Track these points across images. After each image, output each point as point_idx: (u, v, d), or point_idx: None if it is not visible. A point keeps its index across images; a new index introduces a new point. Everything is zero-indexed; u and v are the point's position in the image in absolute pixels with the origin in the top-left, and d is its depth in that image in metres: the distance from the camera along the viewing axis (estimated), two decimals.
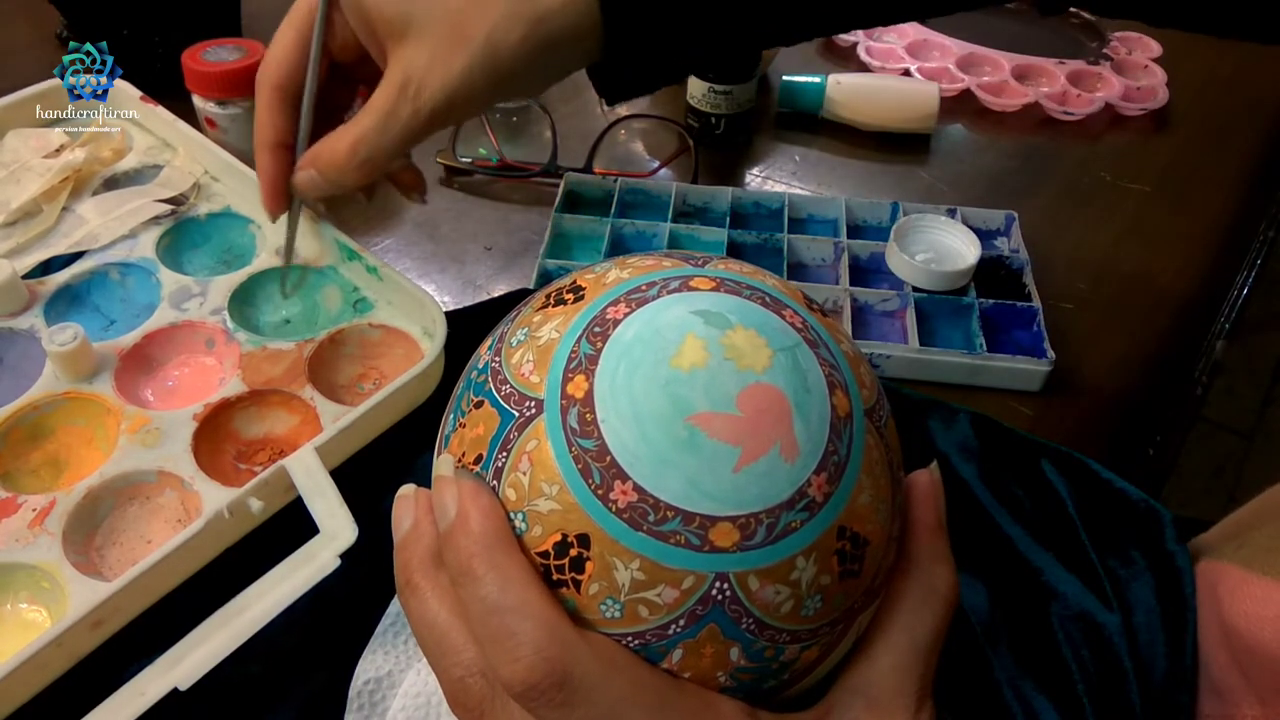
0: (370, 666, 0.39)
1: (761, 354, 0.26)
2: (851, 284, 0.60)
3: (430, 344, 0.49)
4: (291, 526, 0.42)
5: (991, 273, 0.62)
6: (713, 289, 0.28)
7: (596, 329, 0.27)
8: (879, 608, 0.29)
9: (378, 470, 0.47)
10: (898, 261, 0.61)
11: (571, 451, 0.25)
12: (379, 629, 0.41)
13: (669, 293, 0.28)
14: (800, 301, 0.29)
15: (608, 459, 0.25)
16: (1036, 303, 0.58)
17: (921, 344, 0.56)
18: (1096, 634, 0.42)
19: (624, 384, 0.26)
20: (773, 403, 0.25)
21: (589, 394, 0.26)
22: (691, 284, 0.28)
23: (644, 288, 0.28)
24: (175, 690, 0.36)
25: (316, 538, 0.41)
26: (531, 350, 0.28)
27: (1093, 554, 0.44)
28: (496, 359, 0.29)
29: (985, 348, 0.56)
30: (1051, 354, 0.55)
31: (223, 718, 0.39)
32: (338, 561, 0.40)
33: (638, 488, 0.25)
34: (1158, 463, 0.55)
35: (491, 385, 0.28)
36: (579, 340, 0.27)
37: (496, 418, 0.27)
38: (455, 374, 0.49)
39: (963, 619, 0.42)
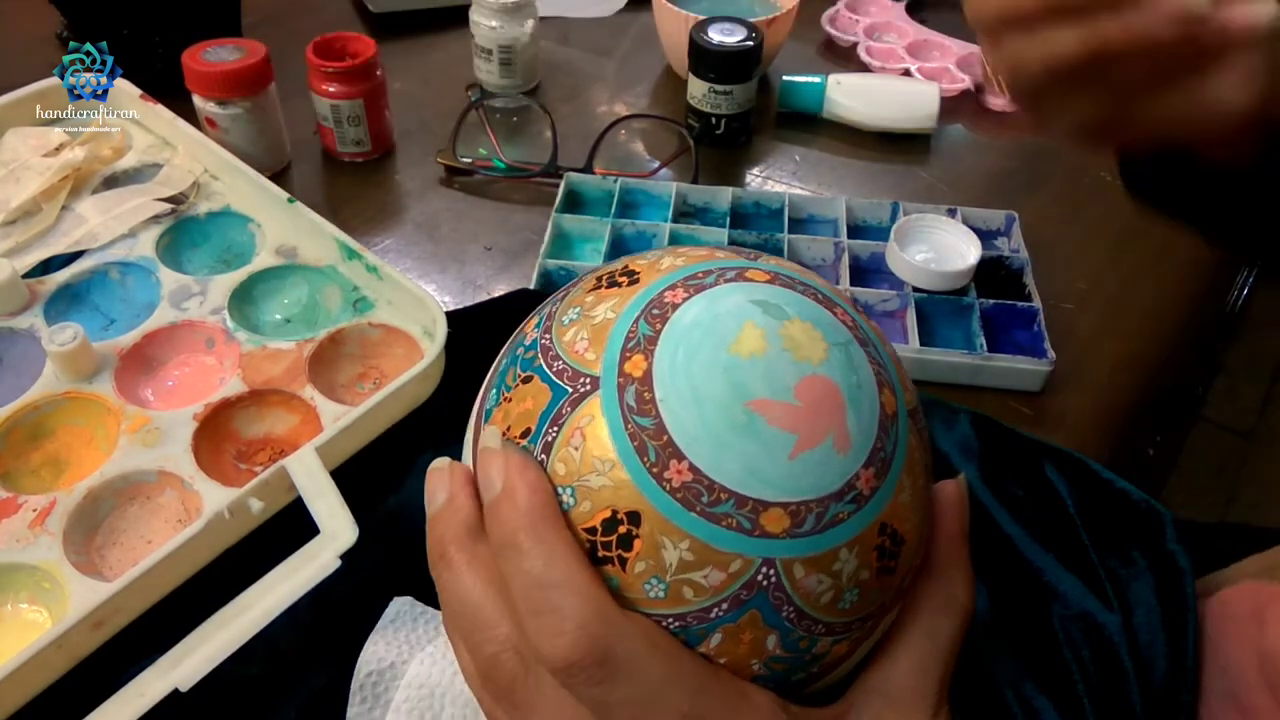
0: (373, 658, 0.39)
1: (818, 346, 0.26)
2: (852, 284, 0.60)
3: (430, 344, 0.49)
4: (291, 526, 0.42)
5: (992, 273, 0.62)
6: (768, 281, 0.28)
7: (655, 311, 0.27)
8: (901, 609, 0.29)
9: (378, 470, 0.47)
10: (898, 261, 0.61)
11: (628, 429, 0.25)
12: (380, 624, 0.41)
13: (726, 281, 0.28)
14: (847, 302, 0.30)
15: (665, 438, 0.25)
16: (1037, 303, 0.58)
17: (922, 344, 0.56)
18: (1097, 634, 0.42)
19: (684, 366, 0.26)
20: (828, 394, 0.26)
21: (648, 373, 0.26)
22: (747, 275, 0.28)
23: (700, 275, 0.28)
24: (176, 691, 0.36)
25: (317, 538, 0.41)
26: (585, 329, 0.28)
27: (1093, 554, 0.44)
28: (546, 336, 0.29)
29: (985, 348, 0.56)
30: (1051, 354, 0.55)
31: (223, 718, 0.39)
32: (338, 562, 0.40)
33: (693, 468, 0.25)
34: (1158, 463, 0.55)
35: (541, 361, 0.28)
36: (637, 321, 0.27)
37: (547, 393, 0.27)
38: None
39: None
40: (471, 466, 0.29)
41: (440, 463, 0.30)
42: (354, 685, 0.39)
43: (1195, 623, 0.40)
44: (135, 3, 0.71)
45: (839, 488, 0.25)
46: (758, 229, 0.64)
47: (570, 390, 0.27)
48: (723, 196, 0.66)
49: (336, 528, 0.41)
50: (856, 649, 0.28)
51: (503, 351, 0.31)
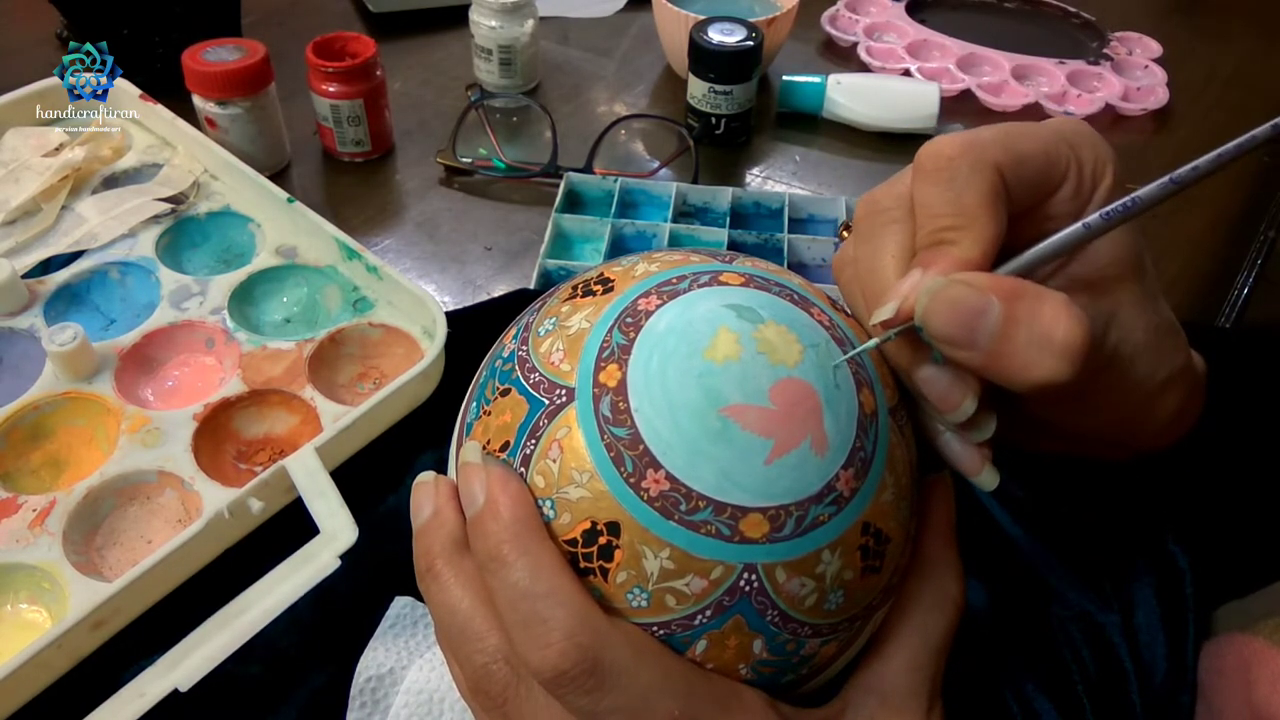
0: (372, 663, 0.39)
1: (792, 349, 0.26)
2: None
3: (430, 344, 0.49)
4: (291, 526, 0.42)
5: None
6: (742, 284, 0.28)
7: (629, 319, 0.27)
8: (892, 607, 0.29)
9: (378, 470, 0.47)
10: None
11: (604, 439, 0.25)
12: (380, 628, 0.41)
13: (700, 286, 0.28)
14: (825, 301, 0.30)
15: (641, 447, 0.25)
16: None
17: None
18: (1097, 634, 0.41)
19: (658, 374, 0.26)
20: (804, 397, 0.26)
21: (622, 383, 0.26)
22: (721, 279, 0.28)
23: (674, 281, 0.28)
24: (176, 691, 0.36)
25: (316, 538, 0.41)
26: (561, 339, 0.28)
27: (1094, 554, 0.44)
28: (523, 348, 0.29)
29: None
30: None
31: (223, 718, 0.39)
32: (338, 562, 0.40)
33: (670, 477, 0.25)
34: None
35: (519, 373, 0.28)
36: (611, 330, 0.27)
37: (525, 405, 0.27)
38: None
39: (963, 618, 0.42)
40: (455, 480, 0.29)
41: (425, 477, 0.30)
42: (353, 690, 0.39)
43: (1195, 624, 0.40)
44: (135, 3, 0.71)
45: (818, 490, 0.25)
46: (758, 229, 0.64)
47: (547, 402, 0.27)
48: (723, 196, 0.66)
49: (336, 528, 0.41)
50: (846, 649, 0.28)
51: (483, 364, 0.31)
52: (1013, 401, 0.30)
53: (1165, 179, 0.27)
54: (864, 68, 0.87)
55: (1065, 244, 0.28)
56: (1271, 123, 0.26)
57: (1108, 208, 0.27)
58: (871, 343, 0.28)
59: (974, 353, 0.26)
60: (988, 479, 0.30)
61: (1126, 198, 0.27)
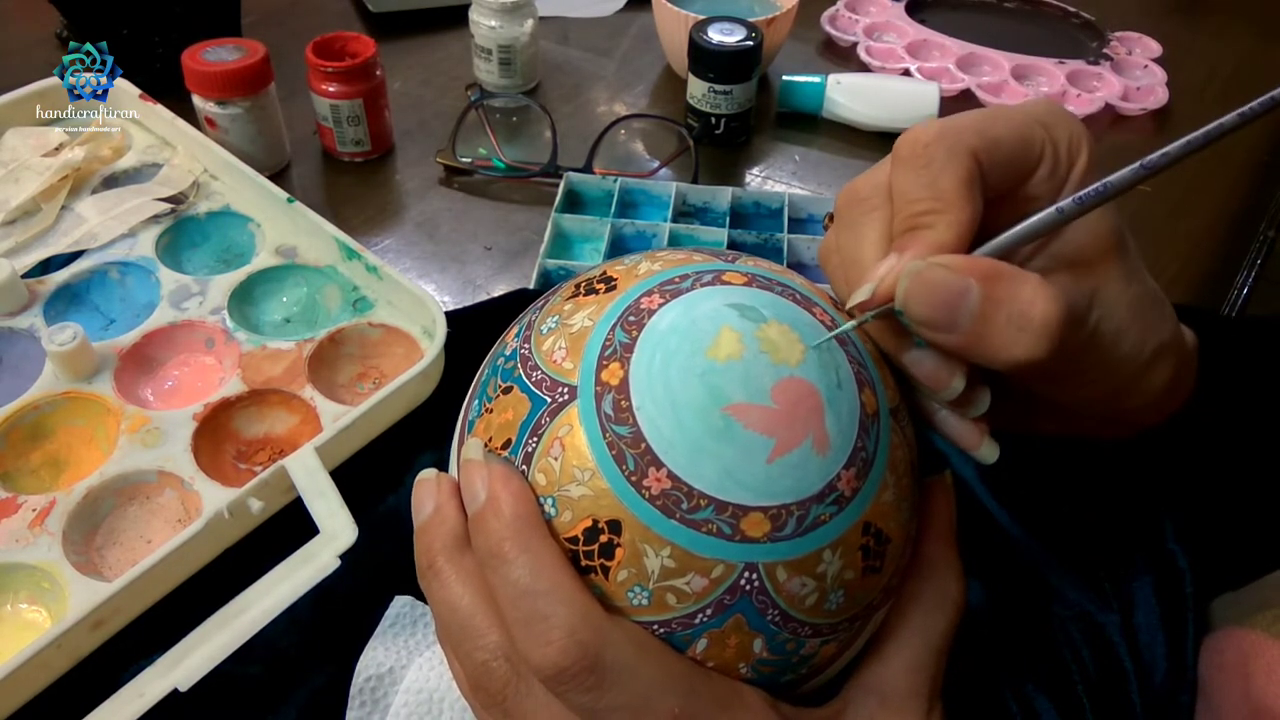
0: (372, 663, 0.39)
1: (795, 349, 0.26)
2: None
3: (430, 344, 0.49)
4: (291, 526, 0.42)
5: None
6: (745, 283, 0.28)
7: (631, 318, 0.27)
8: (892, 607, 0.29)
9: (378, 470, 0.47)
10: None
11: (606, 437, 0.25)
12: (380, 628, 0.41)
13: (703, 285, 0.28)
14: (827, 301, 0.30)
15: (643, 446, 0.25)
16: None
17: None
18: (1097, 634, 0.41)
19: (660, 372, 0.26)
20: (806, 396, 0.26)
21: (624, 381, 0.26)
22: (724, 278, 0.28)
23: (677, 280, 0.28)
24: (176, 691, 0.36)
25: (316, 538, 0.41)
26: (563, 337, 0.28)
27: (1093, 553, 0.44)
28: (525, 346, 0.29)
29: None
30: None
31: (223, 718, 0.39)
32: (338, 562, 0.40)
33: (672, 475, 0.25)
34: None
35: (521, 371, 0.28)
36: (613, 328, 0.27)
37: (527, 403, 0.27)
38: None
39: (963, 618, 0.42)
40: (457, 477, 0.29)
41: (427, 474, 0.30)
42: (353, 689, 0.39)
43: (1194, 623, 0.40)
44: (135, 3, 0.71)
45: (819, 489, 0.25)
46: (757, 229, 0.64)
47: (549, 400, 0.27)
48: (722, 196, 0.66)
49: (336, 528, 0.41)
50: (846, 649, 0.28)
51: (485, 361, 0.31)
52: (1002, 378, 0.30)
53: (1136, 165, 0.27)
54: (864, 68, 0.87)
55: (1039, 227, 0.28)
56: (1238, 111, 0.26)
57: (1081, 192, 0.27)
58: (850, 324, 0.28)
59: (953, 335, 0.26)
60: (987, 452, 0.30)
61: (1099, 183, 0.27)
